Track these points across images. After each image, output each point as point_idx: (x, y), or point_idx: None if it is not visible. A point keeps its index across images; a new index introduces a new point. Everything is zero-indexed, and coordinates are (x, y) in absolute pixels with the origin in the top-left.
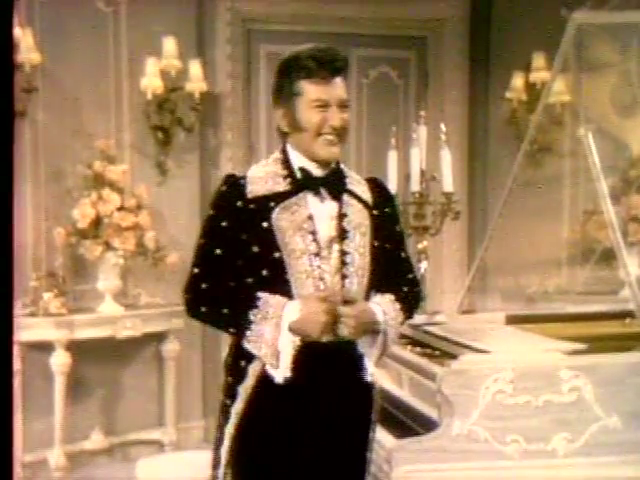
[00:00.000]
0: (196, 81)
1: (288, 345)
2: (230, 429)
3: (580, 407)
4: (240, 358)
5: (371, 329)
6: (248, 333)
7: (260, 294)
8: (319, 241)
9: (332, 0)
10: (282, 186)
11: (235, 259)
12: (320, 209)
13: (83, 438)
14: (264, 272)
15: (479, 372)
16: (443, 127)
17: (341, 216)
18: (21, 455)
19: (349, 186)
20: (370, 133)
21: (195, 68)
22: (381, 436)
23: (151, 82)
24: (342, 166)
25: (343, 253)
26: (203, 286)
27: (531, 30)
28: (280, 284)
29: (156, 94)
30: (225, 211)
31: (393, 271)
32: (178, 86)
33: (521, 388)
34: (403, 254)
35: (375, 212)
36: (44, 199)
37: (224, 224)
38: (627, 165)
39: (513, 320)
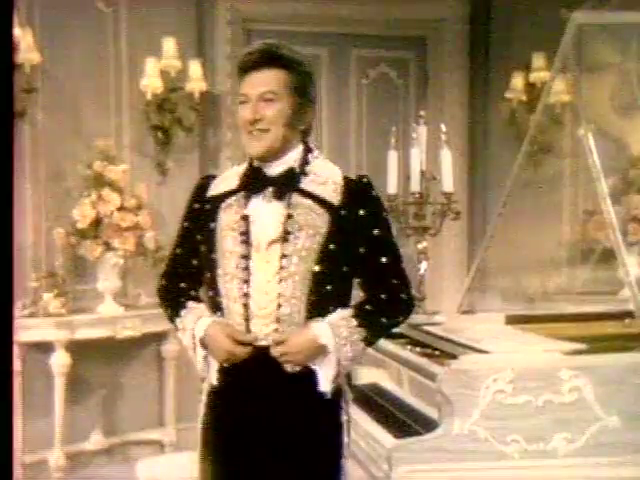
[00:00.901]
0: (196, 81)
1: (204, 358)
2: (199, 422)
3: (580, 407)
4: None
5: (318, 352)
6: (179, 334)
7: (189, 303)
8: (251, 243)
9: (332, 0)
10: (232, 185)
11: (191, 259)
12: (262, 210)
13: (83, 438)
14: (207, 273)
15: (479, 372)
16: (443, 127)
17: (287, 217)
18: (21, 456)
19: (304, 185)
20: (370, 133)
21: (195, 68)
22: (381, 436)
23: (151, 82)
24: (312, 162)
25: (283, 256)
26: (162, 282)
27: (531, 30)
28: (214, 285)
29: (156, 94)
30: (187, 211)
31: (369, 277)
32: (178, 86)
33: (521, 388)
34: (384, 259)
35: (342, 212)
36: (44, 199)
37: (185, 224)
38: (627, 165)
39: (513, 320)
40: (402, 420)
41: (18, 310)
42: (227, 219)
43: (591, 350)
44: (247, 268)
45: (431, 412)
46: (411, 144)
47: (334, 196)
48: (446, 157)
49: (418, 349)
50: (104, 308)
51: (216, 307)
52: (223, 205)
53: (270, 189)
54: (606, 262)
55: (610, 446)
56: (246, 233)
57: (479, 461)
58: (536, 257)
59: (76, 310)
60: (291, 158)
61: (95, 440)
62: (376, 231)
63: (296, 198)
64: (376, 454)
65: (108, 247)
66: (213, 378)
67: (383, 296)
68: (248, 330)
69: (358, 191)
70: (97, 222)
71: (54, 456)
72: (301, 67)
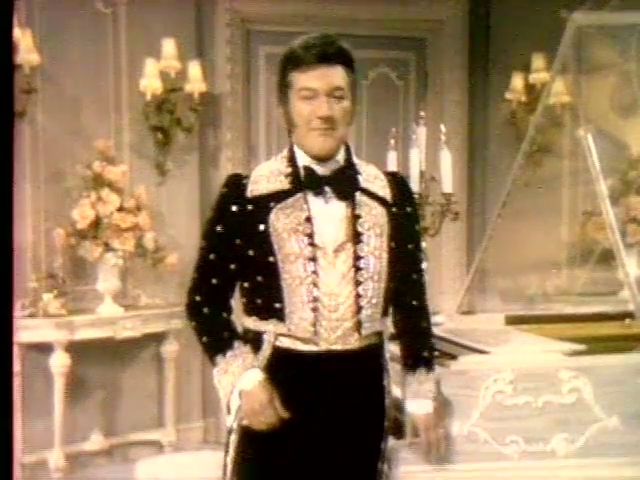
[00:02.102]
0: (195, 82)
1: (236, 406)
2: (233, 436)
3: (580, 408)
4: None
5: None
6: (215, 370)
7: (236, 343)
8: (317, 245)
9: (332, 1)
10: (283, 185)
11: (228, 264)
12: (324, 210)
13: (83, 439)
14: (259, 278)
15: (479, 373)
16: (443, 128)
17: (355, 217)
18: (20, 456)
19: (363, 184)
20: (370, 134)
21: (194, 69)
22: None
23: (150, 83)
24: (356, 161)
25: (357, 258)
26: (197, 299)
27: (530, 31)
28: (274, 290)
29: (155, 95)
30: (220, 214)
31: (414, 274)
32: (177, 87)
33: (521, 389)
34: (422, 255)
35: (394, 210)
36: (43, 200)
37: (218, 229)
38: (626, 166)
39: (512, 321)
40: (401, 421)
41: (17, 310)
42: (286, 221)
43: (591, 351)
44: (315, 272)
45: None
46: (410, 145)
47: (387, 193)
48: (445, 158)
49: None
50: (104, 309)
51: (269, 313)
52: (278, 206)
53: (328, 189)
54: (605, 263)
55: (610, 447)
56: (311, 235)
57: (478, 462)
58: (535, 258)
59: (76, 311)
60: (341, 157)
61: (95, 440)
62: (417, 227)
63: (360, 198)
64: None
65: (108, 248)
66: (233, 422)
67: (415, 303)
68: (316, 334)
69: (402, 188)
70: (97, 223)
71: (53, 456)
72: (354, 65)
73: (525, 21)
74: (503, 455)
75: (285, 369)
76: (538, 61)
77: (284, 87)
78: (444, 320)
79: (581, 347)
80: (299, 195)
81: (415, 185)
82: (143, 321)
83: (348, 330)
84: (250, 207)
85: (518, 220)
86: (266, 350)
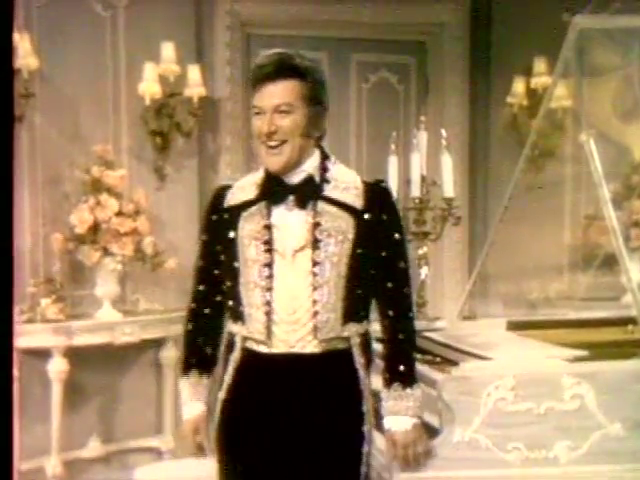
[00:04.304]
0: (195, 86)
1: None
2: (215, 416)
3: (582, 414)
4: (226, 348)
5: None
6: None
7: (195, 371)
8: (276, 250)
9: (331, 5)
10: (251, 194)
11: (213, 270)
12: (285, 219)
13: (80, 446)
14: (228, 282)
15: (480, 379)
16: (444, 132)
17: (314, 225)
18: (17, 463)
19: (327, 192)
20: (370, 138)
21: (194, 73)
22: (381, 442)
23: (149, 87)
24: (333, 168)
25: (314, 264)
26: (192, 306)
27: (532, 34)
28: (237, 294)
29: (154, 99)
30: (205, 224)
31: (389, 282)
32: (177, 91)
33: (523, 395)
34: (402, 264)
35: (366, 217)
36: (41, 204)
37: (204, 237)
38: (629, 170)
39: (514, 326)
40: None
41: (15, 316)
42: (249, 228)
43: (593, 357)
44: (270, 276)
45: (432, 419)
46: (411, 149)
47: (357, 201)
48: (447, 162)
49: (418, 355)
50: (102, 314)
51: (237, 316)
52: (244, 214)
53: (291, 198)
54: (608, 268)
55: (613, 454)
56: (269, 242)
57: (480, 469)
58: (538, 262)
59: (74, 316)
60: (309, 166)
61: (93, 447)
62: (397, 235)
63: (322, 206)
64: (376, 461)
65: (106, 252)
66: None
67: (393, 311)
68: (269, 337)
69: (379, 195)
70: (95, 227)
71: (51, 463)
72: (314, 75)
73: (527, 25)
74: (505, 462)
75: (251, 370)
76: (540, 65)
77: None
78: (445, 325)
79: (584, 353)
80: (262, 203)
81: (416, 190)
82: (142, 326)
83: (306, 334)
84: (226, 216)
85: (520, 225)
86: (236, 352)
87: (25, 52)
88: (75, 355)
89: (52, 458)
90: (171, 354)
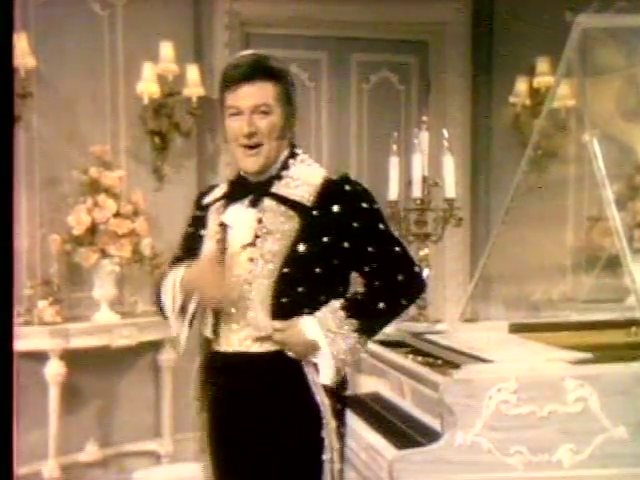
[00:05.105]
0: (193, 86)
1: (182, 304)
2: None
3: (586, 418)
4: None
5: (310, 346)
6: (163, 307)
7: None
8: (228, 248)
9: (332, 4)
10: (218, 194)
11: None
12: (238, 217)
13: (77, 449)
14: None
15: (482, 382)
16: (445, 133)
17: (257, 222)
18: (14, 467)
19: (275, 189)
20: (371, 139)
21: (192, 72)
22: (382, 446)
23: (148, 87)
24: (292, 167)
25: (250, 260)
26: (158, 282)
27: (535, 34)
28: None
29: (153, 99)
30: (190, 219)
31: (362, 269)
32: (175, 91)
33: (525, 398)
34: (370, 248)
35: (315, 213)
36: (39, 206)
37: (188, 230)
38: (633, 171)
39: (517, 329)
40: (403, 431)
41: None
42: (209, 225)
43: (597, 359)
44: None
45: (433, 422)
46: (413, 150)
47: (306, 197)
48: (448, 163)
49: (420, 358)
50: (100, 316)
51: (201, 314)
52: (209, 212)
53: (250, 196)
54: (612, 269)
55: (616, 457)
56: (222, 240)
57: (482, 473)
58: (540, 264)
59: (71, 318)
60: (277, 165)
61: (90, 451)
62: (355, 224)
63: (267, 203)
64: (377, 465)
65: (104, 254)
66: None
67: (377, 283)
68: (217, 335)
69: (333, 189)
70: (93, 229)
71: (48, 467)
72: (287, 77)
73: (529, 24)
74: (507, 466)
75: (209, 368)
76: (542, 64)
77: (220, 105)
78: (447, 328)
79: (587, 355)
80: (221, 202)
81: (417, 191)
82: (140, 329)
83: (245, 333)
84: (200, 213)
85: (522, 226)
86: (203, 350)
87: (22, 51)
88: (72, 358)
89: (49, 462)
90: (169, 357)
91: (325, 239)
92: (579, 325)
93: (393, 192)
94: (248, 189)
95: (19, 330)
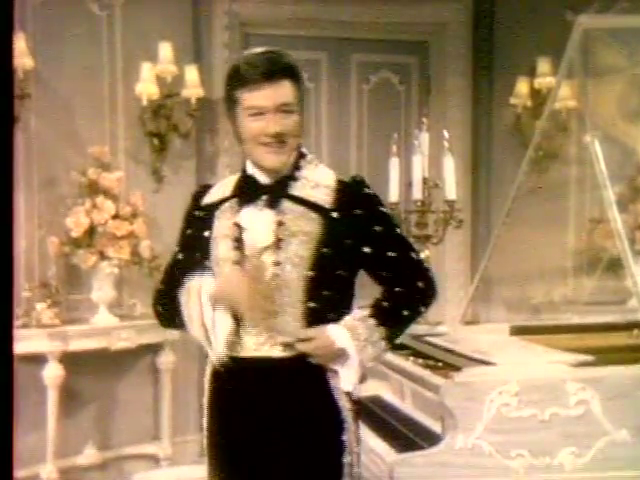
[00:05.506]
0: (192, 87)
1: (214, 320)
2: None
3: (587, 421)
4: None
5: (338, 354)
6: (184, 318)
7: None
8: (243, 250)
9: (332, 4)
10: (226, 193)
11: (192, 265)
12: (255, 218)
13: (76, 453)
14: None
15: (483, 385)
16: (446, 134)
17: (278, 224)
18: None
19: (294, 191)
20: (371, 140)
21: (191, 73)
22: (382, 449)
23: (146, 88)
24: (304, 168)
25: (276, 264)
26: (160, 287)
27: (536, 34)
28: None
29: (151, 100)
30: (186, 220)
31: (380, 273)
32: (174, 92)
33: (526, 401)
34: (390, 253)
35: (335, 215)
36: (37, 207)
37: (188, 232)
38: (634, 172)
39: (518, 331)
40: (404, 434)
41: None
42: (221, 226)
43: (598, 362)
44: None
45: (434, 425)
46: (413, 151)
47: (326, 199)
48: (449, 164)
49: (420, 360)
50: (98, 319)
51: None
52: (217, 213)
53: (264, 197)
54: (613, 271)
55: (618, 461)
56: (239, 240)
57: (483, 476)
58: (541, 266)
59: (70, 321)
60: (288, 166)
61: (89, 454)
62: (377, 227)
63: (287, 204)
64: (378, 469)
65: (102, 256)
66: (220, 349)
67: (398, 289)
68: (239, 339)
69: (351, 191)
70: (91, 230)
71: (46, 471)
72: (300, 74)
73: (530, 24)
74: (509, 469)
75: (225, 375)
76: (543, 65)
77: (231, 104)
78: (447, 330)
79: (588, 358)
80: (234, 201)
81: (418, 192)
82: (139, 331)
83: (268, 337)
84: (202, 214)
85: (523, 227)
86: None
87: (20, 52)
88: (71, 360)
89: (47, 465)
90: (168, 359)
91: (347, 242)
92: (580, 327)
93: (393, 193)
94: (260, 190)
95: (17, 333)
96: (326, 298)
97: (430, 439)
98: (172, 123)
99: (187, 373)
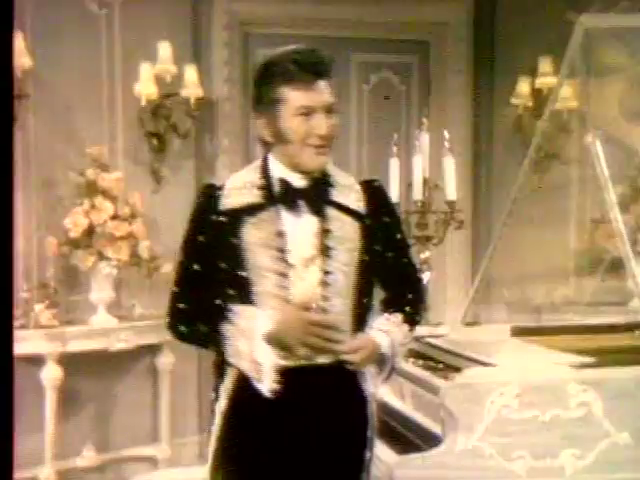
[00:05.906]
0: (192, 87)
1: (267, 357)
2: (215, 429)
3: (589, 422)
4: (221, 356)
5: (377, 359)
6: (227, 349)
7: (233, 306)
8: (289, 260)
9: (332, 3)
10: (256, 198)
11: (213, 274)
12: (296, 225)
13: (74, 455)
14: (230, 291)
15: (484, 386)
16: (446, 134)
17: (324, 232)
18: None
19: (335, 197)
20: (371, 140)
21: (191, 73)
22: (382, 451)
23: (145, 88)
24: (331, 172)
25: (325, 273)
26: (181, 306)
27: (537, 34)
28: (245, 304)
29: (150, 100)
30: (200, 225)
31: (398, 278)
32: (173, 92)
33: (527, 403)
34: (405, 259)
35: (368, 222)
36: (35, 208)
37: (201, 239)
38: (636, 173)
39: (519, 332)
40: (404, 435)
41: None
42: (258, 235)
43: (600, 363)
44: (286, 286)
45: (434, 427)
46: (413, 151)
47: (359, 205)
48: (449, 164)
49: (421, 362)
50: (97, 320)
51: None
52: (251, 219)
53: (301, 202)
54: (615, 272)
55: (620, 463)
56: (283, 249)
57: (484, 478)
58: (542, 267)
59: (68, 322)
60: None
61: (87, 456)
62: (399, 235)
63: (330, 211)
64: (377, 470)
65: (101, 257)
66: (271, 384)
67: (411, 295)
68: (290, 354)
69: (378, 197)
70: (90, 231)
71: (44, 473)
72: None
73: (531, 24)
74: (510, 471)
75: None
76: (545, 65)
77: (272, 101)
78: (448, 331)
79: (590, 360)
80: (272, 208)
81: (418, 193)
82: (137, 332)
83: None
84: (223, 219)
85: (524, 228)
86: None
87: (18, 51)
88: (69, 362)
89: (46, 467)
90: (167, 360)
91: (377, 248)
92: (582, 329)
93: (394, 194)
94: (293, 195)
95: (15, 334)
96: (366, 305)
97: (430, 441)
98: (171, 123)
99: (186, 374)
